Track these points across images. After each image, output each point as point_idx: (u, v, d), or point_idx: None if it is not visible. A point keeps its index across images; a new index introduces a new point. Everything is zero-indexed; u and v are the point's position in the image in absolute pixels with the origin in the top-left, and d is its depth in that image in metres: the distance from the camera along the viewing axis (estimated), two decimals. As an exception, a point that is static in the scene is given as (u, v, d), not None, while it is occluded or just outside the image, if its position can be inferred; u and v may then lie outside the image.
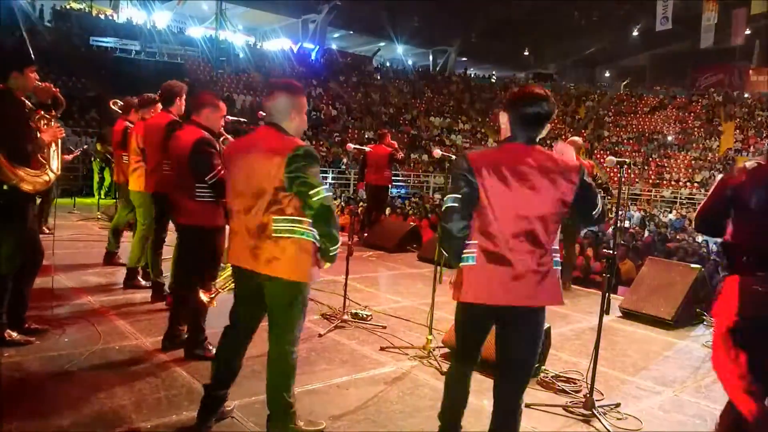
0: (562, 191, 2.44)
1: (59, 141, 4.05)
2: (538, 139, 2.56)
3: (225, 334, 3.04)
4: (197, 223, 3.86)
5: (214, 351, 3.89)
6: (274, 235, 2.72)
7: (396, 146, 9.69)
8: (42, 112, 3.96)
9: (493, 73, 42.62)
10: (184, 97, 4.82)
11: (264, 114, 2.93)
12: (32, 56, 3.32)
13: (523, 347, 2.56)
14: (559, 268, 2.55)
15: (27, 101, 3.90)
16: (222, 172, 3.54)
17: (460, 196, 2.47)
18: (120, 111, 6.58)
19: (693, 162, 27.99)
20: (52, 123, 3.99)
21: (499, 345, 2.61)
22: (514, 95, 2.60)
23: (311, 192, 2.64)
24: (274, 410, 2.86)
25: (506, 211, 2.44)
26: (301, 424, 2.98)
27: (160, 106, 5.35)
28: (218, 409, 3.06)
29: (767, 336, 2.57)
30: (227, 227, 3.29)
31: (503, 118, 2.59)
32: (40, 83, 3.92)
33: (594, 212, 2.55)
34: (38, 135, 3.83)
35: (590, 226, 2.35)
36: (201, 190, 3.80)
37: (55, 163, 4.00)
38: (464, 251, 2.51)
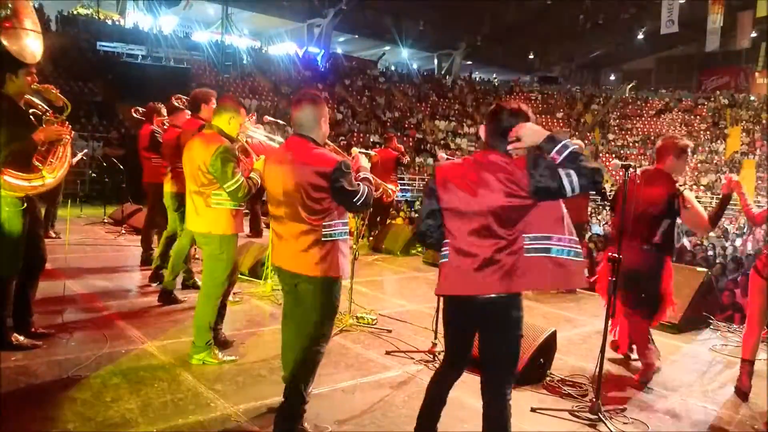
0: (510, 185, 2.46)
1: (66, 146, 4.00)
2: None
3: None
4: (213, 231, 3.91)
5: (220, 356, 3.94)
6: (322, 239, 2.96)
7: (402, 150, 9.70)
8: (53, 115, 3.96)
9: (494, 76, 42.51)
10: (213, 102, 4.85)
11: (292, 124, 3.09)
12: (35, 58, 3.31)
13: (495, 339, 2.60)
14: (542, 254, 2.51)
15: (37, 102, 3.90)
16: (241, 180, 3.69)
17: (426, 202, 2.73)
18: (143, 117, 6.69)
19: (699, 165, 27.89)
20: (55, 124, 3.92)
21: (479, 341, 2.69)
22: (491, 110, 2.70)
23: (354, 199, 2.96)
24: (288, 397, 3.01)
25: (462, 208, 2.59)
26: (308, 428, 3.02)
27: (188, 112, 5.60)
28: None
29: None
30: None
31: (482, 131, 2.71)
32: (38, 85, 3.91)
33: (572, 187, 2.43)
34: (32, 136, 3.71)
35: (590, 190, 2.37)
36: (217, 197, 3.84)
37: (61, 168, 3.92)
38: (441, 250, 2.70)
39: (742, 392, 4.07)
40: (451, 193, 2.62)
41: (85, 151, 9.92)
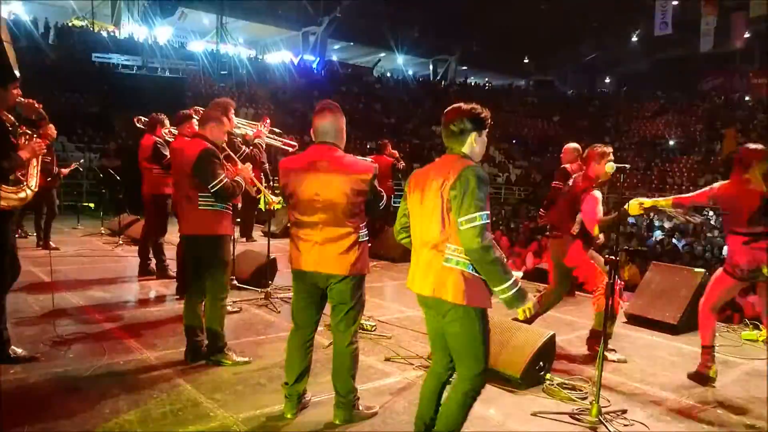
0: (443, 190, 2.63)
1: (39, 158, 4.02)
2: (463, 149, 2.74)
3: None
4: (202, 232, 3.96)
5: (235, 358, 3.95)
6: (359, 240, 3.17)
7: (397, 156, 9.70)
8: (25, 128, 3.97)
9: (487, 80, 42.55)
10: (231, 111, 4.86)
11: (315, 132, 3.21)
12: (16, 72, 3.32)
13: (449, 339, 2.75)
14: (461, 267, 2.61)
15: (10, 116, 3.90)
16: (225, 180, 3.81)
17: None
18: (144, 127, 6.69)
19: (696, 166, 27.93)
20: (34, 138, 3.95)
21: None
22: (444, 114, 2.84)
23: (380, 203, 3.27)
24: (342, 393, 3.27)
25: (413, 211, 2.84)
26: (362, 409, 3.36)
27: (195, 122, 5.59)
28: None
29: None
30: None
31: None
32: (23, 99, 3.94)
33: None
34: (18, 151, 3.76)
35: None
36: (204, 199, 3.90)
37: (34, 181, 3.96)
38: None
39: (701, 375, 4.27)
40: (414, 192, 2.83)
41: (81, 161, 9.91)
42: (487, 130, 2.78)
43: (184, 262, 5.17)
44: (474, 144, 2.73)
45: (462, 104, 2.77)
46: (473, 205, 2.51)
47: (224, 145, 4.27)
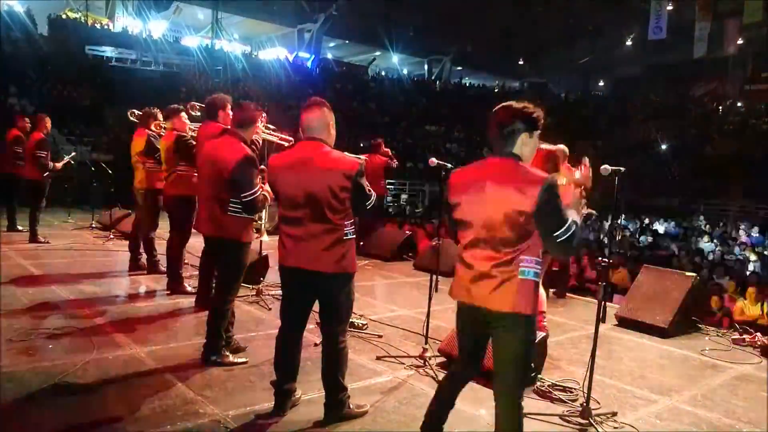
0: (517, 200, 2.50)
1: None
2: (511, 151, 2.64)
3: None
4: (227, 236, 3.91)
5: (231, 358, 3.92)
6: (344, 237, 3.12)
7: (390, 154, 9.68)
8: None
9: (480, 82, 42.58)
10: (228, 108, 4.79)
11: (303, 129, 3.19)
12: None
13: (498, 350, 2.64)
14: (531, 278, 2.54)
15: None
16: (258, 192, 3.70)
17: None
18: (137, 120, 6.65)
19: (688, 170, 28.06)
20: None
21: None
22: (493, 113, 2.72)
23: (367, 202, 3.18)
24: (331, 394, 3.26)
25: (469, 218, 2.68)
26: (352, 407, 3.34)
27: (184, 115, 5.73)
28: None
29: None
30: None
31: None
32: None
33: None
34: None
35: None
36: (234, 205, 3.82)
37: None
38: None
39: None
40: (467, 197, 2.68)
41: (73, 154, 9.84)
42: (539, 131, 2.67)
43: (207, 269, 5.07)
44: (524, 145, 2.62)
45: (513, 103, 2.67)
46: (563, 216, 2.49)
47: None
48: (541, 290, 4.72)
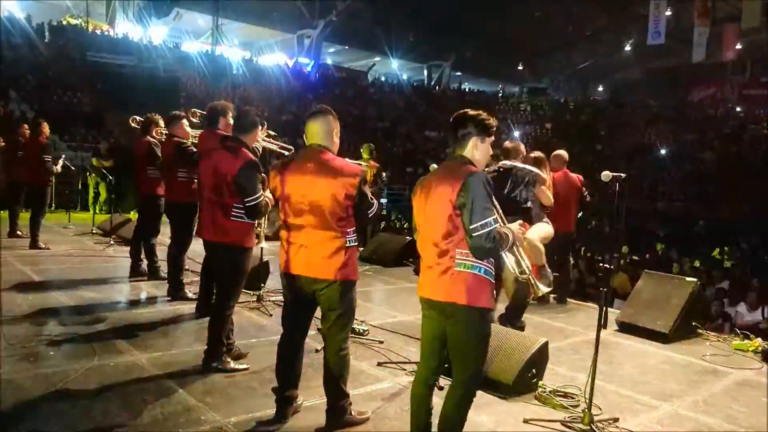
0: (447, 194, 2.67)
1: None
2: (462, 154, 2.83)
3: None
4: (230, 241, 3.91)
5: (233, 364, 3.93)
6: (346, 245, 3.13)
7: (376, 165, 9.47)
8: None
9: (480, 88, 42.63)
10: (230, 115, 4.80)
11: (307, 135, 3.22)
12: None
13: (452, 341, 2.81)
14: (471, 271, 2.68)
15: None
16: (262, 198, 3.72)
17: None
18: (138, 127, 6.66)
19: (687, 175, 28.08)
20: None
21: None
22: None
23: (369, 209, 3.22)
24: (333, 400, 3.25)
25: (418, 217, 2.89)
26: (354, 414, 3.33)
27: (185, 122, 5.73)
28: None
29: None
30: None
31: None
32: None
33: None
34: None
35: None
36: (238, 210, 3.84)
37: None
38: None
39: None
40: (420, 197, 2.87)
41: (63, 156, 9.77)
42: (491, 137, 2.83)
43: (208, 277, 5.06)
44: (475, 149, 2.79)
45: (469, 110, 2.84)
46: (482, 212, 2.59)
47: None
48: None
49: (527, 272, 3.35)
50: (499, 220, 2.77)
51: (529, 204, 5.10)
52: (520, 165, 5.15)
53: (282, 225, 3.25)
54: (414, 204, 2.89)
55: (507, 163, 5.14)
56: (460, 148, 2.81)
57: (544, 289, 3.94)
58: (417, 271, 8.12)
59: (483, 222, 2.58)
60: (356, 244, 3.24)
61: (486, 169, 4.77)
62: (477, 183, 2.62)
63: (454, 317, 2.72)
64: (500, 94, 40.92)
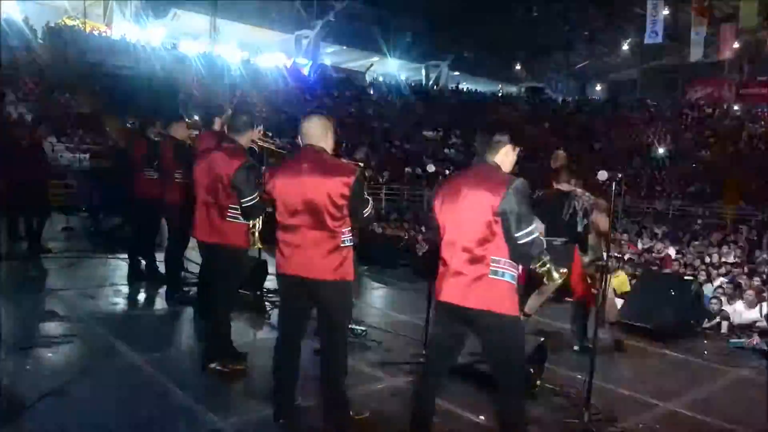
0: (486, 200, 2.64)
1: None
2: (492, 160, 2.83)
3: None
4: (226, 242, 3.90)
5: (231, 365, 3.94)
6: (341, 245, 3.11)
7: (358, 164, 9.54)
8: None
9: (478, 87, 42.64)
10: (225, 115, 4.79)
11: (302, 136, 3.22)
12: None
13: (485, 349, 2.81)
14: (504, 279, 2.66)
15: None
16: (258, 198, 3.70)
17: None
18: (137, 128, 6.65)
19: (684, 174, 28.13)
20: None
21: None
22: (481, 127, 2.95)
23: (365, 209, 3.22)
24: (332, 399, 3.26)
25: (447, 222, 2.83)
26: (352, 414, 3.32)
27: (183, 123, 5.75)
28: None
29: None
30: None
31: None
32: None
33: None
34: None
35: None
36: (234, 211, 3.84)
37: None
38: None
39: None
40: (445, 201, 2.83)
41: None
42: (518, 148, 2.87)
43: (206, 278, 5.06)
44: (506, 156, 2.82)
45: (503, 117, 2.90)
46: (528, 220, 2.62)
47: None
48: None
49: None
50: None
51: (579, 228, 4.94)
52: (579, 191, 5.04)
53: (277, 226, 3.24)
54: (438, 207, 2.85)
55: (566, 186, 5.05)
56: (491, 153, 2.81)
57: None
58: (418, 272, 8.14)
59: (529, 230, 2.60)
60: (352, 244, 3.23)
61: (544, 191, 4.85)
62: (522, 190, 2.63)
63: (489, 325, 2.69)
64: (499, 95, 40.87)
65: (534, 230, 2.62)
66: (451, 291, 2.74)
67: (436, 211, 2.86)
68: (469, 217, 2.69)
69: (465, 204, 2.71)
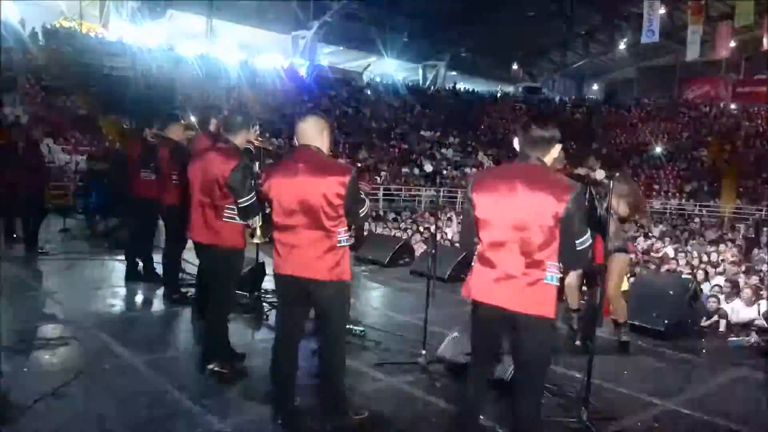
0: (549, 205, 2.54)
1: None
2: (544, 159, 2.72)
3: None
4: (222, 243, 3.89)
5: (229, 367, 3.93)
6: (337, 245, 3.11)
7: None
8: None
9: (475, 87, 42.67)
10: (221, 115, 4.79)
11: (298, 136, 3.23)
12: None
13: (523, 353, 2.68)
14: (554, 283, 2.59)
15: None
16: (254, 198, 3.71)
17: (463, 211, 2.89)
18: (134, 130, 6.65)
19: (682, 173, 28.21)
20: None
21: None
22: (525, 121, 2.78)
23: (361, 209, 3.23)
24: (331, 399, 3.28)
25: (492, 220, 2.69)
26: (351, 414, 3.32)
27: (180, 124, 5.77)
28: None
29: None
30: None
31: (515, 141, 2.78)
32: None
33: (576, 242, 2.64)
34: None
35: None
36: (230, 211, 3.83)
37: None
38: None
39: None
40: (490, 198, 2.69)
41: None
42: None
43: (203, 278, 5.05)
44: (555, 154, 2.75)
45: (548, 116, 2.82)
46: (584, 226, 2.61)
47: None
48: None
49: None
50: None
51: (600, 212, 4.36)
52: (598, 174, 4.44)
53: (274, 226, 3.23)
54: (482, 208, 2.69)
55: (582, 170, 4.63)
56: (541, 152, 2.68)
57: None
58: (412, 274, 8.14)
59: (587, 235, 2.60)
60: (348, 244, 3.22)
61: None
62: (582, 195, 2.62)
63: (537, 330, 2.61)
64: (498, 95, 40.90)
65: (590, 234, 2.60)
66: (501, 294, 2.62)
67: (476, 206, 2.70)
68: (527, 220, 2.56)
69: (521, 205, 2.57)
